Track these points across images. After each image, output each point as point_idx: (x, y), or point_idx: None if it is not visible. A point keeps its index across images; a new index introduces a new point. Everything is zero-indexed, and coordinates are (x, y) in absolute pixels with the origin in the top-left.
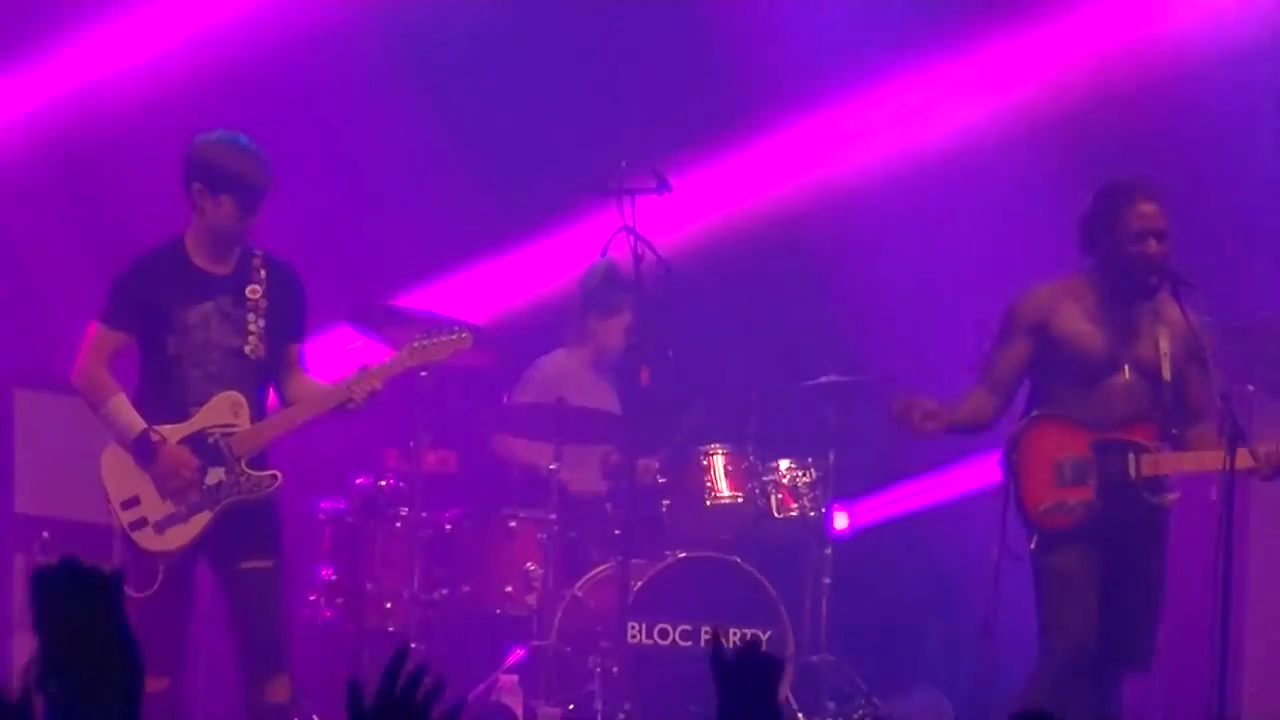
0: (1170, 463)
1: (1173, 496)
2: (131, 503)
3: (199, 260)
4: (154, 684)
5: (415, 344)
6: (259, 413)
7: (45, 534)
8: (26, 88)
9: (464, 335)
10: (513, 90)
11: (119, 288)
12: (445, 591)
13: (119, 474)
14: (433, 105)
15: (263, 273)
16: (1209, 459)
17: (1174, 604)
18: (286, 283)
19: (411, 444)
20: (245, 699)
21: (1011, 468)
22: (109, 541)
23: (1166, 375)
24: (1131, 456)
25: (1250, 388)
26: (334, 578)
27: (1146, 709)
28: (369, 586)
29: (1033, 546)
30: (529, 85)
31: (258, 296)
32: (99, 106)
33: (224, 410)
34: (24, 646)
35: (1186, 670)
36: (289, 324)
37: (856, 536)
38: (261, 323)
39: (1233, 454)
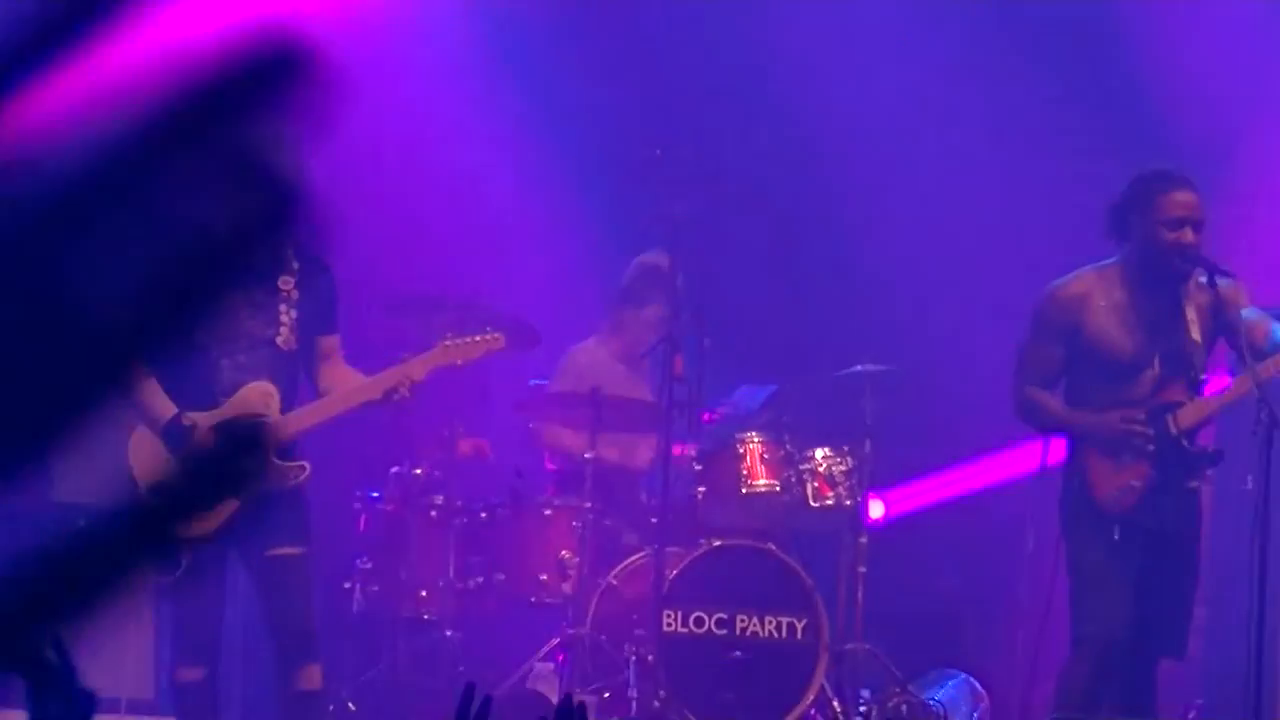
0: (1201, 408)
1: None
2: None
3: None
4: (189, 674)
5: (447, 342)
6: (289, 403)
7: (83, 522)
8: (57, 74)
9: (496, 336)
10: (549, 79)
11: None
12: (480, 579)
13: (146, 458)
14: (468, 94)
15: (295, 264)
16: (1232, 389)
17: (1210, 592)
18: (318, 274)
19: (447, 432)
20: (278, 688)
21: (1073, 467)
22: None
23: (1196, 336)
24: (1168, 416)
25: None
26: (369, 566)
27: (1182, 697)
28: (404, 575)
29: (1115, 537)
30: (565, 74)
31: (289, 287)
32: (129, 95)
33: (255, 400)
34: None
35: (1222, 658)
36: (321, 315)
37: (892, 525)
38: (293, 313)
39: (1269, 442)
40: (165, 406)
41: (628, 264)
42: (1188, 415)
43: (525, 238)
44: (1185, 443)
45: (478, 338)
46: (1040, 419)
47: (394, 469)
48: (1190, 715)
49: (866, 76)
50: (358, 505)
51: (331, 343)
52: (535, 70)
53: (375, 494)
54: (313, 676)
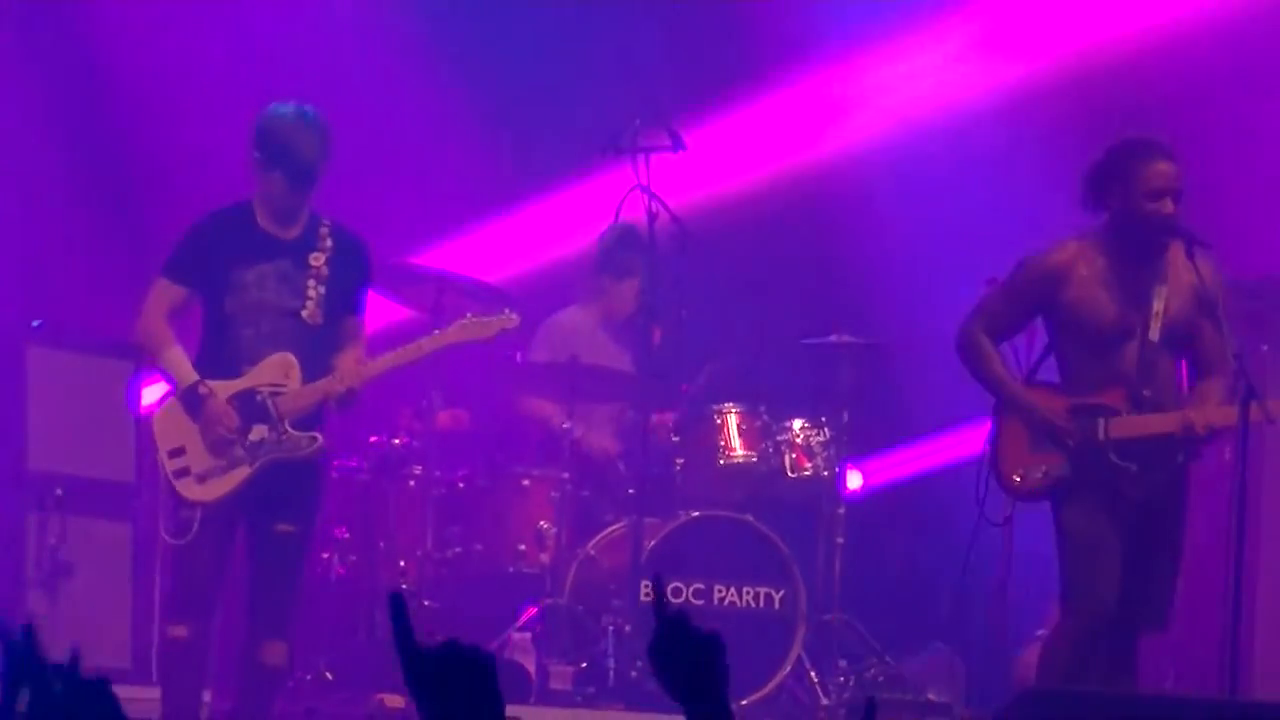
0: (1137, 424)
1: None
2: (177, 452)
3: (264, 223)
4: (176, 630)
5: (467, 320)
6: (312, 376)
7: (58, 491)
8: (45, 52)
9: (511, 316)
10: (528, 48)
11: (183, 243)
12: (458, 550)
13: (170, 423)
14: (448, 62)
15: (329, 241)
16: (1171, 420)
17: (1186, 567)
18: (352, 254)
19: (425, 402)
20: (242, 657)
21: (992, 436)
22: (122, 498)
23: (1154, 335)
24: (1101, 420)
25: (1264, 347)
26: (347, 536)
27: (1157, 672)
28: (382, 545)
29: (1008, 514)
30: (545, 43)
31: (320, 264)
32: (120, 76)
33: (276, 370)
34: (38, 601)
35: (1198, 633)
36: (350, 295)
37: (869, 496)
38: (321, 289)
39: (1245, 413)
40: (187, 374)
41: (605, 232)
42: (1120, 427)
43: (500, 208)
44: (1113, 455)
45: (494, 318)
46: (977, 365)
47: (372, 439)
48: (1165, 686)
49: (851, 48)
50: (336, 475)
51: (353, 324)
52: (516, 36)
53: (353, 464)
54: (276, 652)
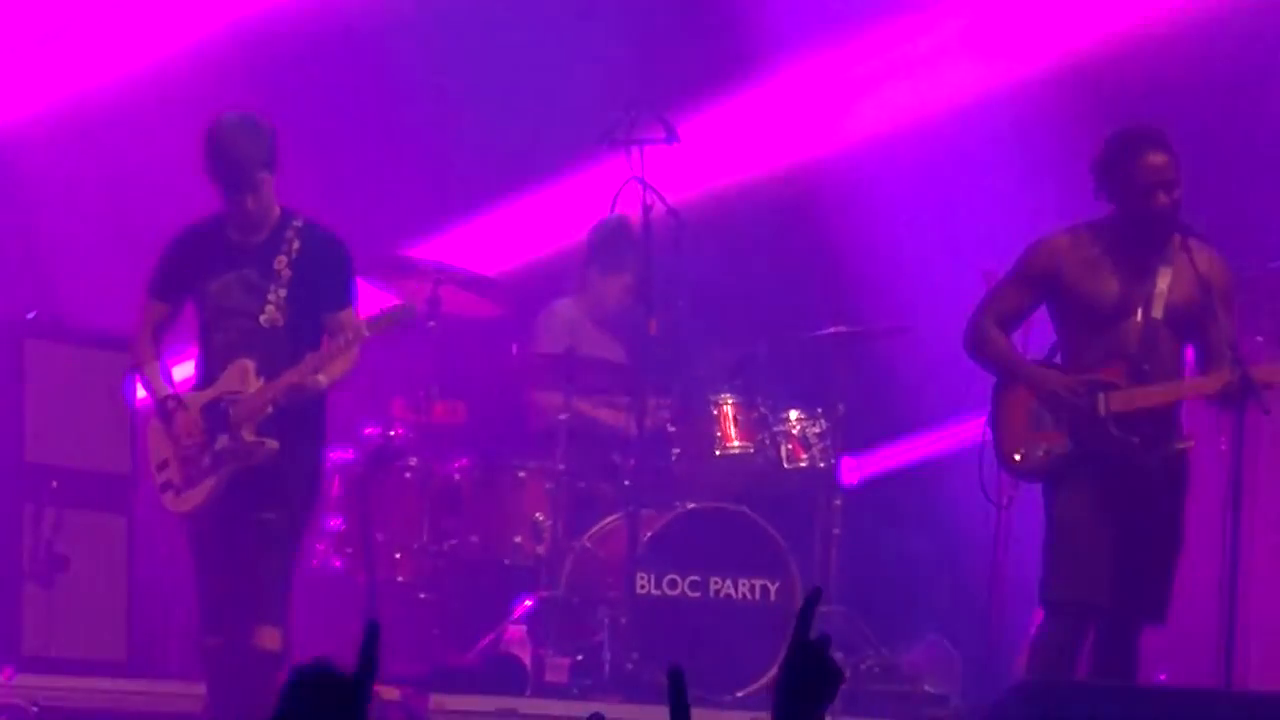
0: (1139, 397)
1: (1185, 444)
2: (163, 466)
3: (232, 232)
4: (211, 640)
5: (375, 318)
6: (272, 379)
7: (54, 483)
8: (42, 51)
9: (408, 310)
10: (522, 40)
11: (160, 261)
12: (454, 542)
13: (157, 438)
14: (442, 55)
15: (295, 243)
16: (1178, 388)
17: (1182, 558)
18: (321, 252)
19: (421, 394)
20: (237, 644)
21: (991, 416)
22: (118, 491)
23: (1157, 313)
24: (1101, 395)
25: (1259, 339)
26: (343, 528)
27: (1152, 666)
28: (378, 537)
29: (1006, 502)
30: (538, 35)
31: (282, 267)
32: (112, 74)
33: (235, 377)
34: (34, 596)
35: (1193, 625)
36: (321, 293)
37: (866, 487)
38: (282, 292)
39: (1241, 404)
40: (159, 388)
41: (598, 226)
42: (1121, 401)
43: (495, 198)
44: (1113, 428)
45: (390, 312)
46: (984, 349)
47: (368, 431)
48: (1161, 677)
49: (846, 37)
50: (331, 467)
51: (333, 320)
52: (509, 28)
53: (349, 456)
54: (268, 637)
